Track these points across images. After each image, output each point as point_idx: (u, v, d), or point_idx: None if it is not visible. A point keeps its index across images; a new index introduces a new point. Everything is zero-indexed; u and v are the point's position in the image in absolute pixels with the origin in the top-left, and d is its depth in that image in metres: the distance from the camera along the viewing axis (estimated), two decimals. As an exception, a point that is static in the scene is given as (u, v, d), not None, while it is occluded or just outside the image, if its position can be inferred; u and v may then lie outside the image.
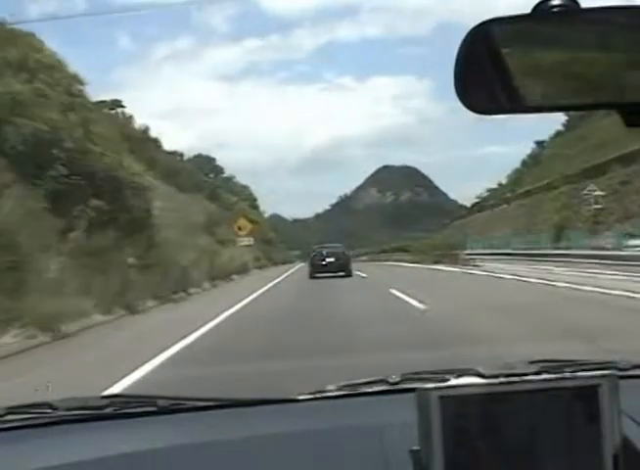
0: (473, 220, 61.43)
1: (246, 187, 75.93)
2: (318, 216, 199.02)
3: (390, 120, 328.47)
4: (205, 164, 64.89)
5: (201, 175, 52.39)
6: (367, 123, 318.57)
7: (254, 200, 75.25)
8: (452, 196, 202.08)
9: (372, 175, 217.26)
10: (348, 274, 22.43)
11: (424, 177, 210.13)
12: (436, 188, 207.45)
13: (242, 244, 29.45)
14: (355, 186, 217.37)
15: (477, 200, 68.90)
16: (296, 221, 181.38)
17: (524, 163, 62.59)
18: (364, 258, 63.35)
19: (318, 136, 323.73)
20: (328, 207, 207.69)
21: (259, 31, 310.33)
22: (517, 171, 63.09)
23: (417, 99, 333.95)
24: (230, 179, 71.41)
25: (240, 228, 29.94)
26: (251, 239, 29.98)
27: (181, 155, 54.70)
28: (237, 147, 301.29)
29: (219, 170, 70.02)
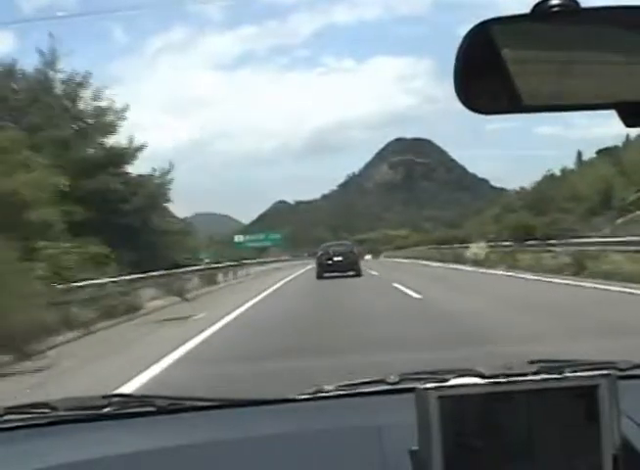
0: None
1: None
2: (325, 197, 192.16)
3: (395, 101, 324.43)
4: None
5: None
6: (371, 105, 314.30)
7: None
8: (471, 170, 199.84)
9: (382, 150, 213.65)
10: (358, 274, 22.30)
11: (439, 150, 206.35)
12: (453, 161, 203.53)
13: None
14: (364, 164, 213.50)
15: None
16: (300, 204, 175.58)
17: None
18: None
19: (321, 120, 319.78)
20: (335, 187, 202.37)
21: (256, 18, 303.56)
22: None
23: (420, 79, 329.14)
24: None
25: None
26: None
27: None
28: (239, 135, 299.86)
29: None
